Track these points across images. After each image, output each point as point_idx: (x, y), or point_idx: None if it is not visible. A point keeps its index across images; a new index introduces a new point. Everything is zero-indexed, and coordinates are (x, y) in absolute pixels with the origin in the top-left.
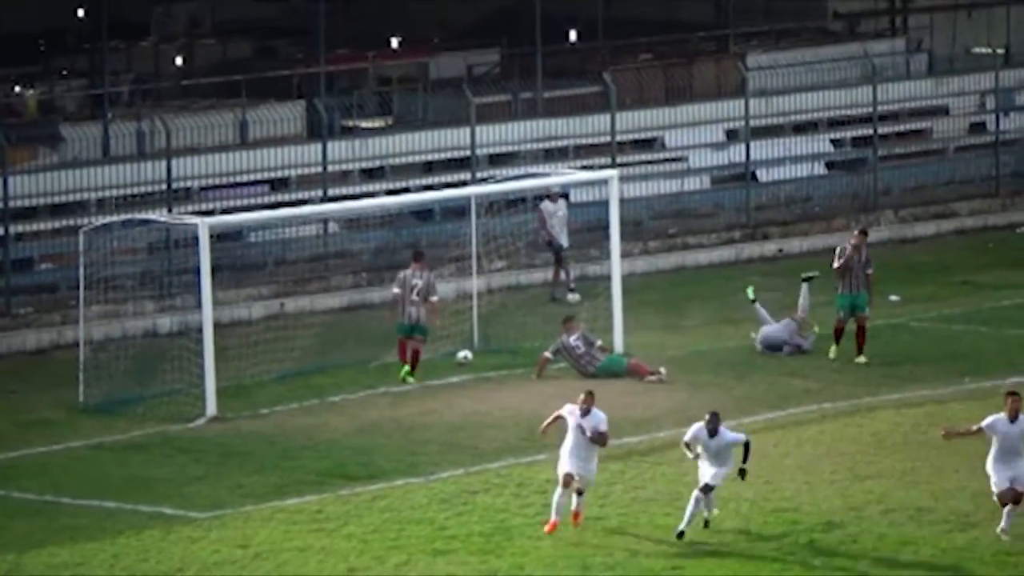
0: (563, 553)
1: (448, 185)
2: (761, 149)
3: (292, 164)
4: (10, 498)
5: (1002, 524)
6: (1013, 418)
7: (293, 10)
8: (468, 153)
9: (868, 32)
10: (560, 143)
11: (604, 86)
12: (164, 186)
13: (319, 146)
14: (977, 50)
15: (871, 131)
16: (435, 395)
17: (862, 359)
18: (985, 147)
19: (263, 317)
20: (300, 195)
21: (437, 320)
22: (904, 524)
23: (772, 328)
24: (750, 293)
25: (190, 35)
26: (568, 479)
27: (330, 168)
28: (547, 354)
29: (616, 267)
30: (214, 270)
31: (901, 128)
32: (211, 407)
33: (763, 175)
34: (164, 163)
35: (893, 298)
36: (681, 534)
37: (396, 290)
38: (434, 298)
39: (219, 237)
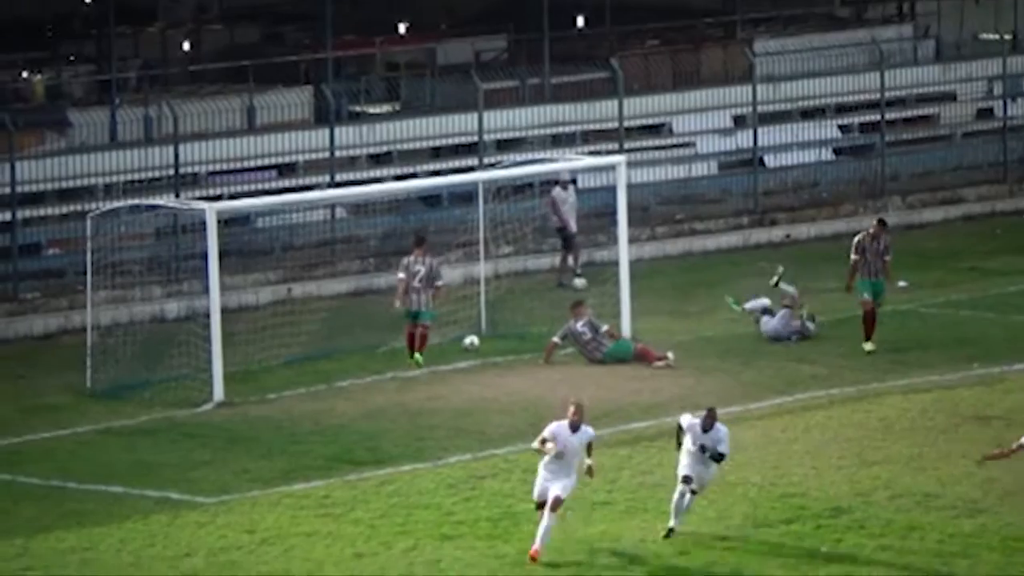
0: (570, 538)
1: (455, 171)
2: (769, 135)
3: (299, 150)
4: (17, 483)
5: None
6: None
7: None
8: (475, 139)
9: (876, 18)
10: (567, 129)
11: (611, 72)
12: (171, 171)
13: (326, 131)
14: (985, 36)
15: (879, 117)
16: (442, 380)
17: (869, 346)
18: (993, 133)
19: (270, 302)
20: (307, 180)
21: (436, 304)
22: (911, 510)
23: (772, 326)
24: (731, 303)
25: (197, 20)
26: (558, 503)
27: (337, 153)
28: (556, 339)
29: (623, 253)
30: (221, 255)
31: (909, 114)
32: (218, 392)
33: (771, 161)
34: (171, 148)
35: (901, 284)
36: (670, 532)
37: (400, 275)
38: (439, 283)
39: (226, 222)
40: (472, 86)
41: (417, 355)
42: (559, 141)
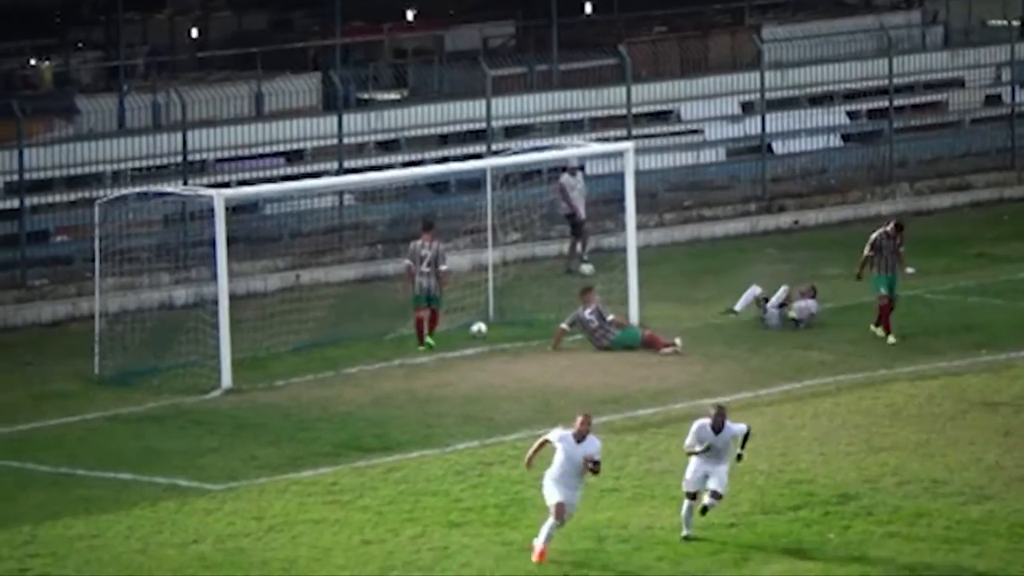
0: (578, 525)
1: (463, 157)
2: (777, 121)
3: (307, 136)
4: (26, 469)
5: None
6: None
7: None
8: (484, 125)
9: (884, 4)
10: (575, 115)
11: (620, 58)
12: (180, 158)
13: (334, 118)
14: (993, 22)
15: (887, 103)
16: (450, 367)
17: (892, 339)
18: (1001, 119)
19: (278, 289)
20: (315, 167)
21: (445, 287)
22: (919, 496)
23: (771, 323)
24: (730, 311)
25: (205, 7)
26: (560, 510)
27: (345, 140)
28: (564, 326)
29: (631, 239)
30: (229, 242)
31: (917, 100)
32: (226, 379)
33: (779, 147)
34: (180, 135)
35: (909, 270)
36: (688, 538)
37: (407, 262)
38: (443, 267)
39: (235, 209)
40: (480, 73)
41: (428, 339)
42: (567, 128)
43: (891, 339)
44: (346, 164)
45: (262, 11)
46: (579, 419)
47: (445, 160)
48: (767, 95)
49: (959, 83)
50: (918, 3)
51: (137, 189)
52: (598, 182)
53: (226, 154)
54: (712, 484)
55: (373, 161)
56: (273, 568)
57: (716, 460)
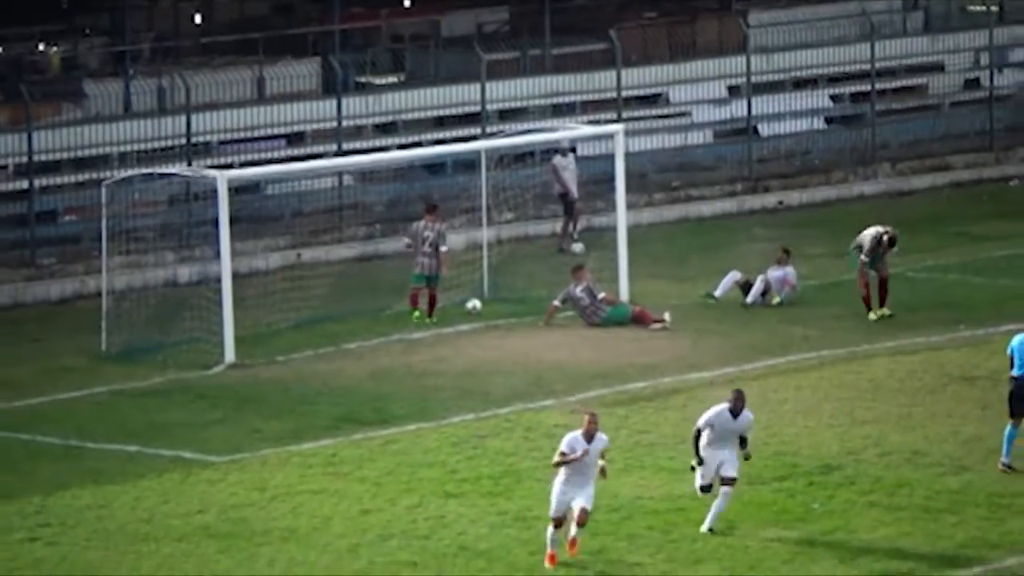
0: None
1: (459, 139)
2: (762, 104)
3: (308, 119)
4: (35, 442)
5: None
6: None
7: None
8: (478, 108)
9: None
10: (567, 99)
11: (610, 43)
12: (184, 140)
13: (334, 102)
14: (972, 8)
15: (869, 87)
16: (446, 342)
17: (885, 311)
18: (979, 103)
19: (280, 267)
20: (315, 149)
21: (446, 270)
22: (900, 467)
23: (754, 296)
24: (706, 297)
25: None
26: (584, 516)
27: (344, 123)
28: (556, 303)
29: (622, 218)
30: (232, 222)
31: (898, 84)
32: (229, 354)
33: (764, 129)
34: (184, 118)
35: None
36: (712, 530)
37: (407, 240)
38: (443, 248)
39: (237, 190)
40: (475, 57)
41: (420, 313)
42: (559, 111)
43: (885, 311)
44: (345, 146)
45: None
46: (587, 419)
47: (441, 142)
48: (753, 79)
49: (939, 67)
50: None
51: (143, 170)
52: (589, 163)
53: (229, 136)
54: (727, 471)
55: (371, 143)
56: (275, 537)
57: (724, 446)
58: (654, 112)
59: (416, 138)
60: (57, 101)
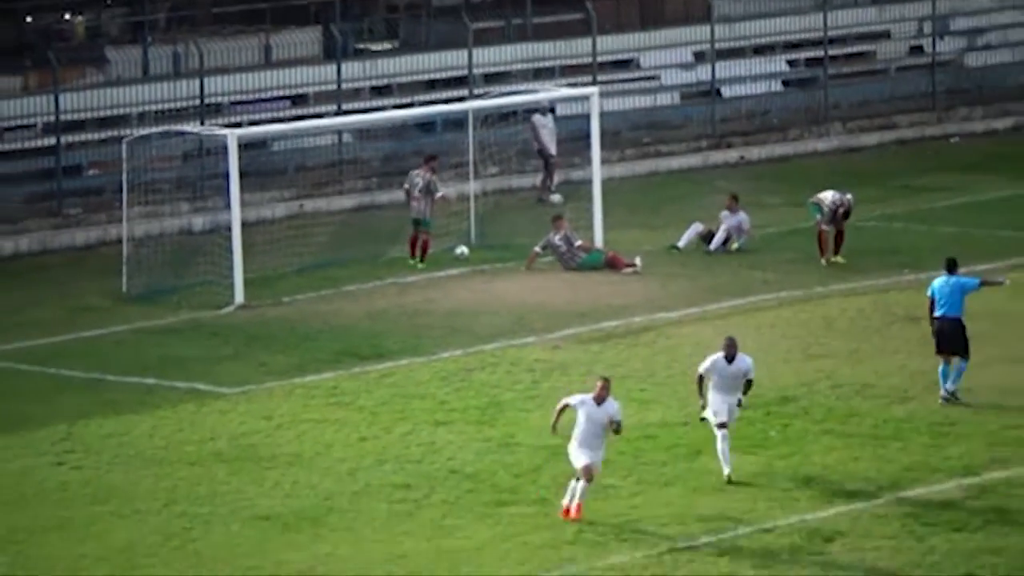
0: (549, 424)
1: (448, 100)
2: (725, 68)
3: (310, 82)
4: (61, 376)
5: None
6: None
7: None
8: (466, 72)
9: None
10: (547, 63)
11: (586, 13)
12: (197, 101)
13: (334, 66)
14: None
15: (822, 53)
16: (437, 285)
17: (839, 258)
18: (923, 67)
19: (285, 216)
20: (317, 109)
21: (438, 211)
22: (851, 398)
23: (715, 246)
24: (672, 249)
25: None
26: (588, 472)
27: (344, 86)
28: (536, 249)
29: (597, 172)
30: (241, 175)
31: (849, 50)
32: (239, 296)
33: (727, 91)
34: (197, 81)
35: (849, 196)
36: (729, 478)
37: (406, 186)
38: (438, 194)
39: (246, 146)
40: (463, 26)
41: (417, 262)
42: (540, 74)
43: (824, 261)
44: (344, 106)
45: None
46: (599, 384)
47: (431, 103)
48: (716, 45)
49: (886, 35)
50: None
51: (160, 129)
52: (567, 122)
53: (238, 98)
54: (720, 416)
55: (368, 104)
56: (280, 461)
57: (727, 393)
58: (626, 76)
59: (409, 99)
60: (82, 66)
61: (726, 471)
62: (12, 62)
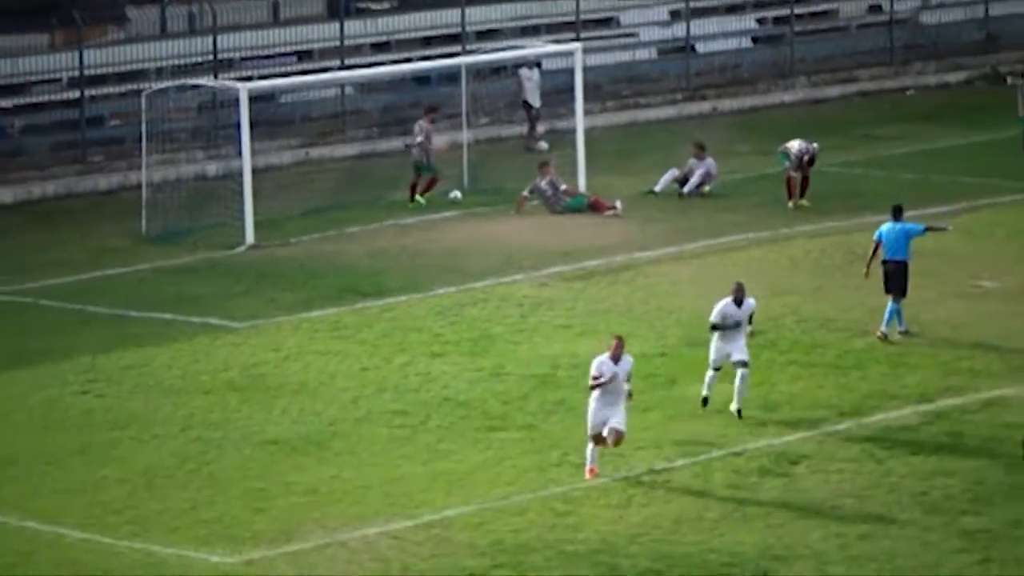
0: (536, 355)
1: (443, 56)
2: (699, 26)
3: (315, 39)
4: (86, 311)
5: None
6: None
7: None
8: (459, 30)
9: None
10: (534, 22)
11: None
12: (211, 57)
13: (337, 24)
14: None
15: (789, 12)
16: (433, 227)
17: (804, 202)
18: (881, 24)
19: (292, 163)
20: (322, 64)
21: (434, 156)
22: (815, 331)
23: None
24: (648, 192)
25: None
26: (614, 436)
27: (346, 42)
28: (524, 194)
29: (580, 123)
30: (252, 125)
31: (813, 9)
32: (249, 237)
33: (701, 48)
34: (211, 38)
35: (804, 202)
36: (740, 412)
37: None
38: (419, 139)
39: (256, 99)
40: None
41: (419, 198)
42: (527, 32)
43: (790, 204)
44: (346, 61)
45: None
46: (614, 343)
47: (427, 58)
48: (691, 4)
49: None
50: None
51: (176, 82)
52: (553, 76)
53: (249, 53)
54: (736, 355)
55: (369, 59)
56: (288, 390)
57: (735, 335)
58: (607, 33)
59: (406, 55)
60: (104, 24)
61: (734, 407)
62: (40, 21)
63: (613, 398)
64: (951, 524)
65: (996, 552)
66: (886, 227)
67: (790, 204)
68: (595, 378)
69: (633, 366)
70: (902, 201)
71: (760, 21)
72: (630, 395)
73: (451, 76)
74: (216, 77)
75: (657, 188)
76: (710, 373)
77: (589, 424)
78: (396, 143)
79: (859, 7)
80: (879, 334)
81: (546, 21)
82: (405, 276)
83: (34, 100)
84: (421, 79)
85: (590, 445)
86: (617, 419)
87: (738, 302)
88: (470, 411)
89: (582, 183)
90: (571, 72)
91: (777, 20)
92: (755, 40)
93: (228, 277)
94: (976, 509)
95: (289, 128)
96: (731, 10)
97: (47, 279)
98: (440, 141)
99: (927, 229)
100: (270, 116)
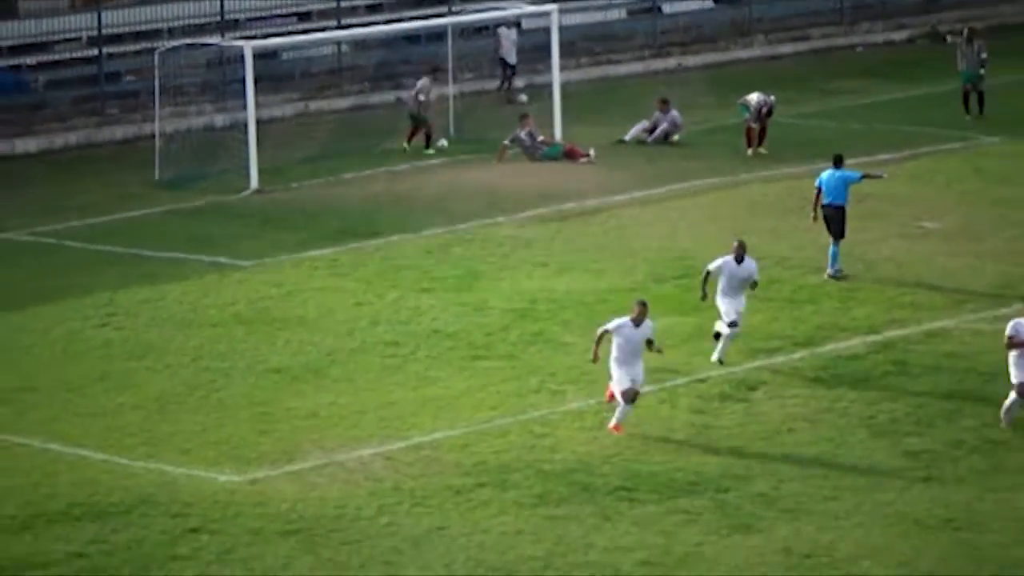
0: (517, 291)
1: (431, 16)
2: None
3: (314, 1)
4: (104, 251)
5: None
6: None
7: None
8: None
9: None
10: None
11: None
12: (219, 18)
13: None
14: None
15: None
16: (422, 173)
17: (762, 150)
18: None
19: (292, 115)
20: (320, 24)
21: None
22: (771, 268)
23: (654, 138)
24: (620, 141)
25: None
26: (629, 395)
27: (342, 3)
28: (505, 143)
29: (556, 77)
30: (256, 80)
31: None
32: (254, 182)
33: (667, 8)
34: (219, 1)
35: (762, 150)
36: (721, 361)
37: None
38: (422, 97)
39: (259, 56)
40: None
41: (423, 148)
42: None
43: (749, 152)
44: (343, 21)
45: None
46: (637, 308)
47: (417, 18)
48: None
49: None
50: None
51: (187, 41)
52: (532, 35)
53: (253, 15)
54: (731, 316)
55: (363, 19)
56: (290, 323)
57: (734, 294)
58: None
59: (398, 15)
60: None
61: (716, 357)
62: None
63: (632, 359)
64: (896, 445)
65: (937, 470)
66: (826, 174)
67: (749, 152)
68: (604, 332)
69: (654, 331)
70: (852, 149)
71: None
72: (659, 350)
73: (438, 35)
74: (223, 36)
75: (627, 137)
76: (726, 334)
77: (614, 380)
78: (388, 96)
79: None
80: (828, 275)
81: None
82: (397, 218)
83: (56, 57)
84: (411, 38)
85: (624, 407)
86: (634, 375)
87: (739, 259)
88: (456, 342)
89: (558, 133)
90: (548, 31)
91: None
92: (716, 1)
93: (235, 219)
94: (919, 431)
95: (290, 83)
96: None
97: (69, 222)
98: (423, 98)
99: (864, 176)
100: (272, 72)
